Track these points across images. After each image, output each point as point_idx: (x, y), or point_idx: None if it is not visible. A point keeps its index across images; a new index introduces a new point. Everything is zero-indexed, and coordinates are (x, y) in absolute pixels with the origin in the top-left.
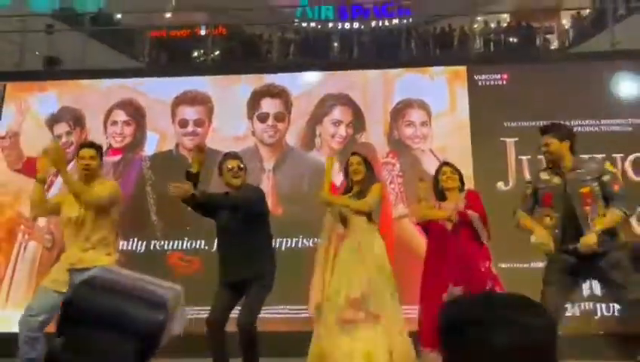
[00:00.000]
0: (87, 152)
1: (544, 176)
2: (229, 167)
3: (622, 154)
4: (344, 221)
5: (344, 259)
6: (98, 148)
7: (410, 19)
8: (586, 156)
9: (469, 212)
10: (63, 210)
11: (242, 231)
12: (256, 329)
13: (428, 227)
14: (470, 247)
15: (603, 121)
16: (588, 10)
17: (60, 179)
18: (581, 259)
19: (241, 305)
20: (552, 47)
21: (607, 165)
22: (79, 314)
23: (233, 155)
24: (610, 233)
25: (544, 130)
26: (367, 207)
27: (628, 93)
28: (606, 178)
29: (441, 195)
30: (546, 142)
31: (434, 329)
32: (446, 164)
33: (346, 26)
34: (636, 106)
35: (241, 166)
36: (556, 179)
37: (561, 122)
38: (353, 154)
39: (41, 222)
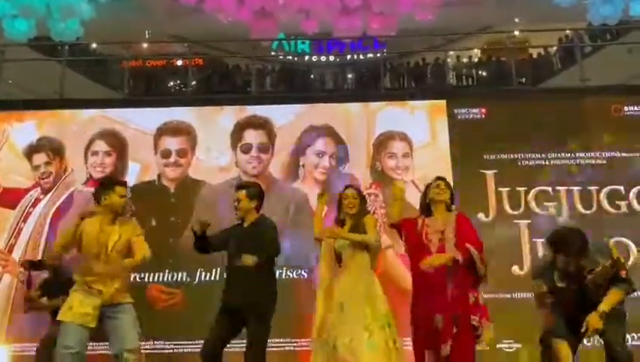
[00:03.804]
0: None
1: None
2: (233, 198)
3: (597, 187)
4: (338, 258)
5: (342, 302)
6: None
7: (385, 53)
8: (562, 188)
9: (471, 249)
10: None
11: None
12: None
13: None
14: (461, 276)
15: (578, 155)
16: (555, 48)
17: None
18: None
19: (247, 344)
20: (523, 81)
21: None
22: None
23: (237, 186)
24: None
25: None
26: (374, 238)
27: (600, 127)
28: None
29: (427, 210)
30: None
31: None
32: (440, 178)
33: (322, 59)
34: (609, 140)
35: (239, 198)
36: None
37: (540, 155)
38: (348, 187)
39: (16, 254)
